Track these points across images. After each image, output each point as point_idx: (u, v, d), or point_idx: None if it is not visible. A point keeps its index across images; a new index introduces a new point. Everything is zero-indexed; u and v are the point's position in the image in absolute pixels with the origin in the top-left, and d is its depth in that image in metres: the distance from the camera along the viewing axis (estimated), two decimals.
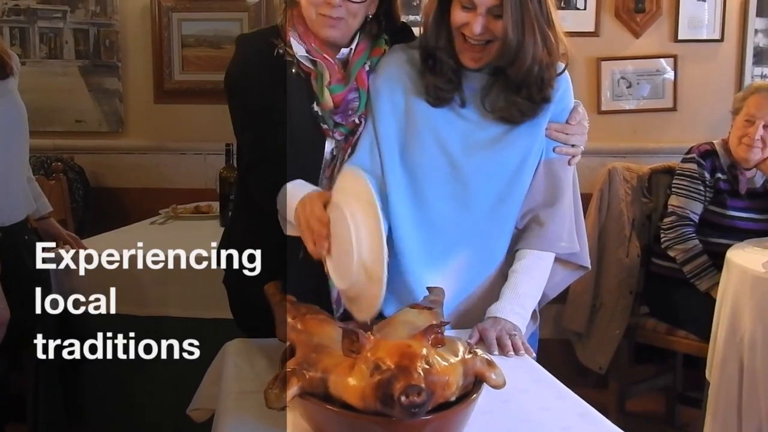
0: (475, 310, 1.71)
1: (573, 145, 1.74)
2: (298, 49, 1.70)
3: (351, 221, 1.35)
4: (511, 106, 1.66)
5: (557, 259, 1.78)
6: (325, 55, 1.70)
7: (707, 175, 3.02)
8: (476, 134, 1.69)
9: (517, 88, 1.64)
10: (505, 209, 1.72)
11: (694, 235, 2.99)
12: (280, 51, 1.70)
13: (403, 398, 1.01)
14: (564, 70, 1.69)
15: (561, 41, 1.63)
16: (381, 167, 1.70)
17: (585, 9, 3.72)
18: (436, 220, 1.70)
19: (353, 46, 1.73)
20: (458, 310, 1.73)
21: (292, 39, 1.70)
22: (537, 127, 1.69)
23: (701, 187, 3.02)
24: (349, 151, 1.74)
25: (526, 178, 1.71)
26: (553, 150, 1.73)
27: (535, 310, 1.78)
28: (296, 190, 1.53)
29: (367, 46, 1.75)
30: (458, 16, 1.60)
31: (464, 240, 1.72)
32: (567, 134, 1.73)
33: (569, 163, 1.76)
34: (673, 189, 3.10)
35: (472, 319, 1.69)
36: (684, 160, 3.12)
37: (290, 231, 1.56)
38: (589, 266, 1.85)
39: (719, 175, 3.04)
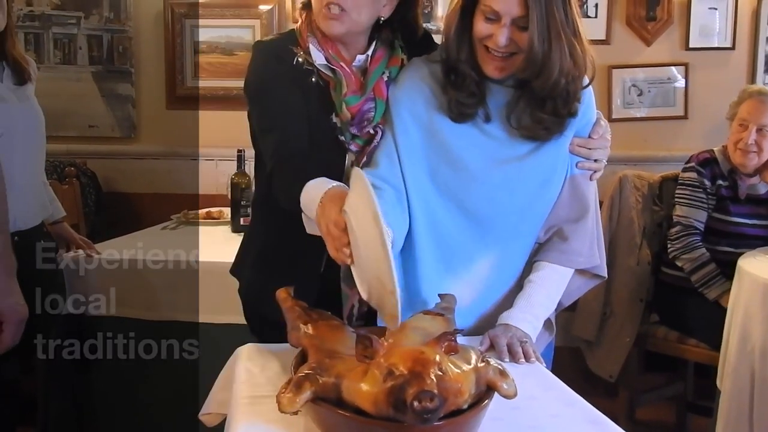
0: (492, 323, 1.68)
1: (595, 160, 1.71)
2: (317, 57, 1.68)
3: (359, 235, 1.33)
4: (537, 125, 1.61)
5: (576, 269, 1.76)
6: (342, 64, 1.67)
7: (708, 183, 3.02)
8: (501, 152, 1.65)
9: (542, 102, 1.59)
10: (526, 225, 1.70)
11: (700, 244, 2.99)
12: (300, 60, 1.69)
13: (415, 404, 1.02)
14: (590, 84, 1.65)
15: (587, 52, 1.58)
16: (402, 178, 1.66)
17: (596, 17, 3.72)
18: (455, 234, 1.68)
19: (369, 53, 1.71)
20: (475, 323, 1.72)
21: (311, 45, 1.68)
22: (562, 144, 1.66)
23: (703, 195, 3.02)
24: (364, 159, 1.70)
25: (551, 195, 1.69)
26: (576, 165, 1.69)
27: (551, 322, 1.77)
28: (317, 187, 1.48)
29: (385, 54, 1.73)
30: (481, 27, 1.55)
31: (483, 254, 1.70)
32: (589, 149, 1.70)
33: (591, 178, 1.72)
34: (676, 199, 3.10)
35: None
36: (684, 170, 3.12)
37: (311, 229, 1.53)
38: (606, 276, 1.82)
39: (720, 181, 3.04)
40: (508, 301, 1.71)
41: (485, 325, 1.70)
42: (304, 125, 1.67)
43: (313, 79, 1.69)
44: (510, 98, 1.64)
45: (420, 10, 1.78)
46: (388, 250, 1.26)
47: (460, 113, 1.63)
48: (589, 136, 1.71)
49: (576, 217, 1.71)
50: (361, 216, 1.31)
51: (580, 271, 1.77)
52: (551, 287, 1.72)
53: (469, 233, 1.69)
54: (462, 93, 1.62)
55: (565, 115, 1.61)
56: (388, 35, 1.75)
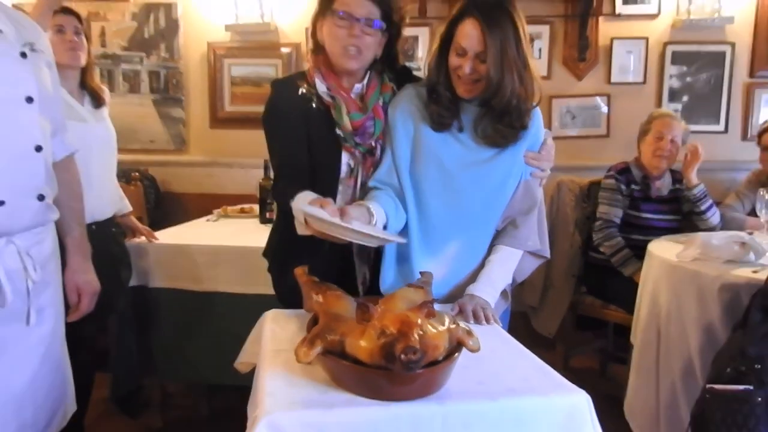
0: (461, 292, 1.70)
1: (543, 170, 1.74)
2: (320, 87, 1.70)
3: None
4: (497, 134, 1.64)
5: (526, 252, 1.79)
6: (341, 91, 1.70)
7: (623, 187, 3.01)
8: (470, 156, 1.67)
9: (500, 117, 1.62)
10: (489, 214, 1.71)
11: (618, 234, 2.98)
12: (303, 91, 1.71)
13: (402, 356, 1.03)
14: (537, 105, 1.68)
15: (536, 81, 1.62)
16: (398, 180, 1.69)
17: (540, 58, 3.73)
18: (435, 221, 1.69)
19: (365, 82, 1.73)
20: (449, 291, 1.73)
21: (316, 78, 1.70)
22: (517, 152, 1.68)
23: (619, 197, 3.00)
24: (371, 169, 1.73)
25: (508, 192, 1.70)
26: (530, 174, 1.72)
27: (506, 292, 1.78)
28: (302, 199, 1.53)
29: (378, 83, 1.75)
30: (453, 60, 1.60)
31: (455, 237, 1.71)
32: (539, 161, 1.72)
33: (540, 184, 1.76)
34: (599, 199, 3.08)
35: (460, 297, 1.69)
36: (605, 177, 3.10)
37: (301, 231, 1.55)
38: (549, 256, 1.85)
39: (633, 186, 3.02)
40: (473, 275, 1.72)
41: (456, 293, 1.71)
42: (302, 147, 1.69)
43: (314, 105, 1.70)
44: (477, 114, 1.66)
45: (399, 48, 1.79)
46: (327, 219, 1.40)
47: (439, 123, 1.67)
48: (539, 152, 1.73)
49: (526, 211, 1.73)
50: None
51: (530, 253, 1.79)
52: (506, 264, 1.73)
53: (447, 221, 1.70)
54: (440, 107, 1.66)
55: (518, 128, 1.64)
56: (378, 68, 1.77)
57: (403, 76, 1.81)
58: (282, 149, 1.72)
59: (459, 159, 1.67)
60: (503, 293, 1.75)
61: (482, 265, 1.73)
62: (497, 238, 1.74)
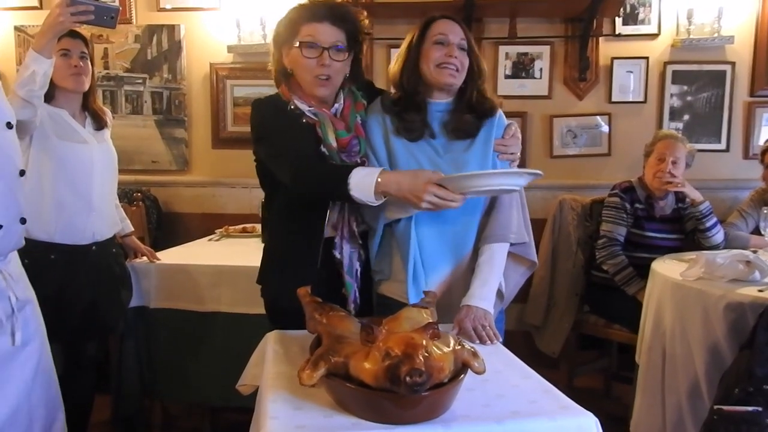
0: (451, 289, 1.73)
1: (512, 153, 1.79)
2: (303, 107, 1.72)
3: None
4: (466, 125, 1.73)
5: (515, 260, 1.80)
6: (323, 109, 1.73)
7: (628, 206, 3.00)
8: (444, 157, 1.72)
9: (467, 110, 1.74)
10: (466, 209, 1.70)
11: (621, 252, 2.96)
12: (292, 107, 1.73)
13: (408, 379, 1.01)
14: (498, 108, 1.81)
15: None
16: None
17: (541, 78, 3.72)
18: (421, 216, 1.72)
19: (341, 102, 1.77)
20: (440, 286, 1.73)
21: (296, 100, 1.73)
22: (488, 141, 1.74)
23: (624, 215, 2.99)
24: None
25: None
26: (498, 158, 1.76)
27: (500, 290, 1.77)
28: (369, 174, 1.56)
29: (352, 101, 1.79)
30: (434, 53, 1.71)
31: (439, 232, 1.73)
32: (506, 145, 1.77)
33: (511, 165, 1.79)
34: (602, 217, 3.07)
35: (450, 296, 1.71)
36: (610, 195, 3.09)
37: (378, 201, 1.57)
38: (536, 260, 1.86)
39: (637, 205, 3.01)
40: (462, 273, 1.74)
41: (447, 290, 1.72)
42: (302, 147, 1.70)
43: (304, 120, 1.72)
44: (445, 109, 1.76)
45: (362, 65, 1.85)
46: (470, 173, 1.56)
47: (411, 131, 1.73)
48: (503, 137, 1.78)
49: (492, 199, 1.75)
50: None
51: (519, 261, 1.82)
52: (495, 263, 1.72)
53: (428, 215, 1.70)
54: (409, 114, 1.73)
55: (482, 116, 1.75)
56: (349, 86, 1.81)
57: (370, 90, 1.87)
58: (295, 139, 1.69)
59: (431, 160, 1.71)
60: (497, 292, 1.74)
61: (469, 269, 1.72)
62: (482, 238, 1.74)
